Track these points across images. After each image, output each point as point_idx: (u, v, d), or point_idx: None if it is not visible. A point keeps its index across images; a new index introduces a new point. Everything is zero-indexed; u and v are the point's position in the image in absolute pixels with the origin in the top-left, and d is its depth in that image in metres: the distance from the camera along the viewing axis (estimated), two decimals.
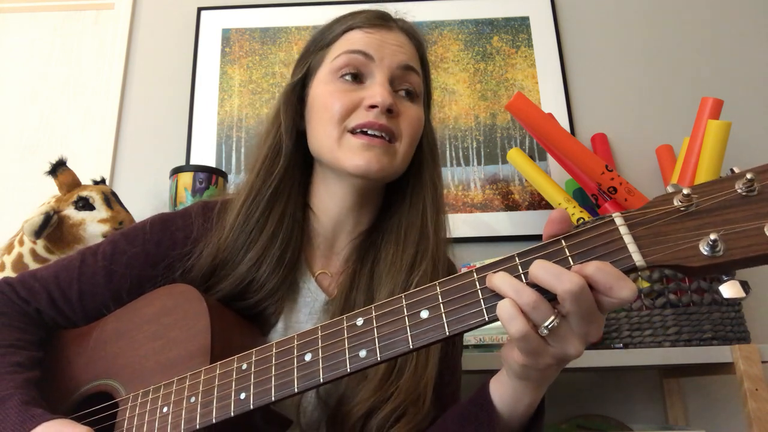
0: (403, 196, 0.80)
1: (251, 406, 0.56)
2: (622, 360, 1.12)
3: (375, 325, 0.53)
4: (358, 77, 0.75)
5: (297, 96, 0.81)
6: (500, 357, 0.55)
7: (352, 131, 0.73)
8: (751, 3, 1.81)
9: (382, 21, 0.78)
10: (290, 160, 0.78)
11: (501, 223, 1.61)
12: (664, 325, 1.14)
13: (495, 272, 0.49)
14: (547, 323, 0.46)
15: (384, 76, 0.74)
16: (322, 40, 0.81)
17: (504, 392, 0.56)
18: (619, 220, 0.48)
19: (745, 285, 0.48)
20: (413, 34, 0.82)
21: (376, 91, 0.72)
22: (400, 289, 0.72)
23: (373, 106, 0.72)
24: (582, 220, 1.36)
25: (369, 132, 0.72)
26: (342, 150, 0.73)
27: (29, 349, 0.71)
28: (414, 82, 0.77)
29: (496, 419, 0.57)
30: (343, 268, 0.80)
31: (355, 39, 0.77)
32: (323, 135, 0.75)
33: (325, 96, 0.75)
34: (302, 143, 0.80)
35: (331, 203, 0.79)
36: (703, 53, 1.76)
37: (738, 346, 1.06)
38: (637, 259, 0.46)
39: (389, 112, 0.73)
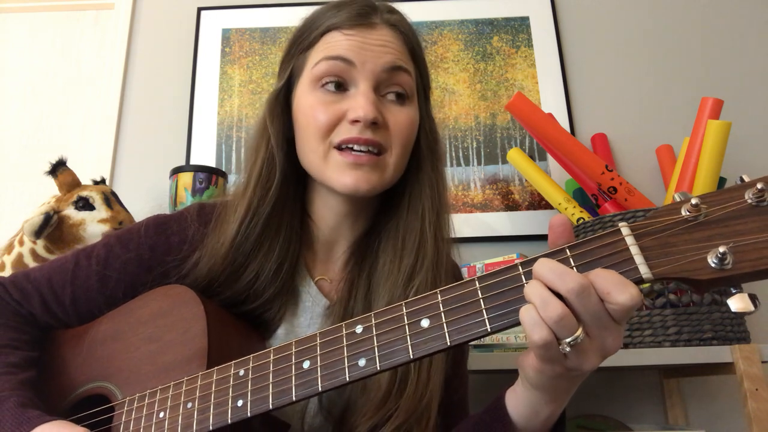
0: (401, 199, 0.76)
1: (248, 414, 0.55)
2: (622, 360, 1.12)
3: (375, 333, 0.52)
4: (340, 86, 0.70)
5: (282, 103, 0.76)
6: (516, 364, 0.53)
7: (338, 147, 0.69)
8: (751, 3, 1.81)
9: (364, 19, 0.72)
10: (285, 172, 0.74)
11: (501, 223, 1.61)
12: (664, 325, 1.14)
13: (528, 282, 0.47)
14: (570, 339, 0.44)
15: (367, 84, 0.69)
16: (302, 42, 0.76)
17: (519, 404, 0.55)
18: (625, 231, 0.46)
19: (754, 298, 0.46)
20: (401, 26, 0.75)
21: (359, 103, 0.68)
22: (397, 300, 0.69)
23: (356, 121, 0.68)
24: (582, 220, 1.36)
25: (355, 148, 0.68)
26: (329, 168, 0.70)
27: (24, 349, 0.70)
28: (403, 82, 0.72)
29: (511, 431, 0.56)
30: (342, 275, 0.78)
31: (335, 42, 0.71)
32: (309, 151, 0.72)
33: (308, 109, 0.71)
34: (294, 151, 0.76)
35: (327, 212, 0.77)
36: (703, 53, 1.76)
37: (738, 346, 1.05)
38: (644, 271, 0.45)
39: (374, 124, 0.68)
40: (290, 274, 0.74)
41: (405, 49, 0.74)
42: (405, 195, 0.76)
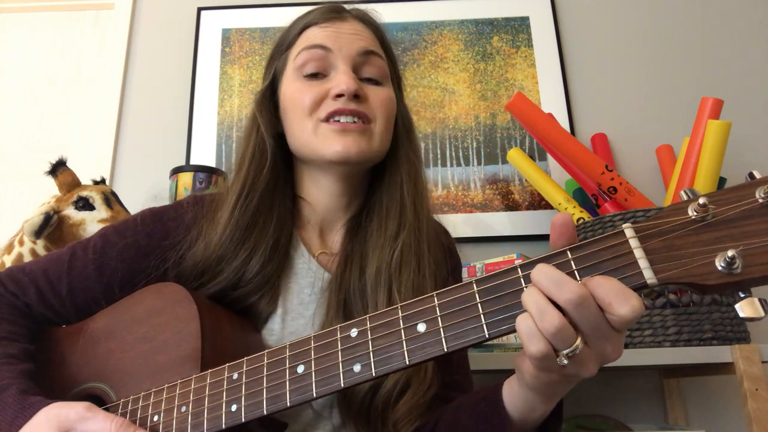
0: (382, 176, 0.82)
1: (243, 420, 0.55)
2: (622, 360, 1.10)
3: (370, 337, 0.52)
4: (321, 71, 0.77)
5: (269, 100, 0.82)
6: (513, 365, 0.53)
7: (326, 120, 0.74)
8: (751, 3, 1.81)
9: (335, 13, 0.80)
10: (275, 157, 0.79)
11: (501, 223, 1.61)
12: (664, 325, 1.14)
13: (528, 286, 0.46)
14: (567, 351, 0.43)
15: (346, 65, 0.76)
16: (282, 44, 0.84)
17: (515, 399, 0.55)
18: (629, 232, 0.44)
19: (764, 303, 0.42)
20: (368, 20, 0.83)
21: (340, 79, 0.74)
22: (386, 264, 0.74)
23: (339, 95, 0.73)
24: (582, 220, 1.36)
25: (342, 119, 0.73)
26: (318, 139, 0.74)
27: (21, 342, 0.70)
28: (378, 65, 0.79)
29: (509, 425, 0.56)
30: (338, 250, 0.81)
31: (312, 35, 0.78)
32: (299, 130, 0.76)
33: (294, 93, 0.77)
34: (281, 145, 0.81)
35: (320, 194, 0.80)
36: (703, 53, 1.76)
37: (738, 346, 1.05)
38: (648, 276, 0.43)
39: (356, 97, 0.74)
40: (284, 254, 0.77)
41: (375, 39, 0.82)
42: (385, 171, 0.82)
